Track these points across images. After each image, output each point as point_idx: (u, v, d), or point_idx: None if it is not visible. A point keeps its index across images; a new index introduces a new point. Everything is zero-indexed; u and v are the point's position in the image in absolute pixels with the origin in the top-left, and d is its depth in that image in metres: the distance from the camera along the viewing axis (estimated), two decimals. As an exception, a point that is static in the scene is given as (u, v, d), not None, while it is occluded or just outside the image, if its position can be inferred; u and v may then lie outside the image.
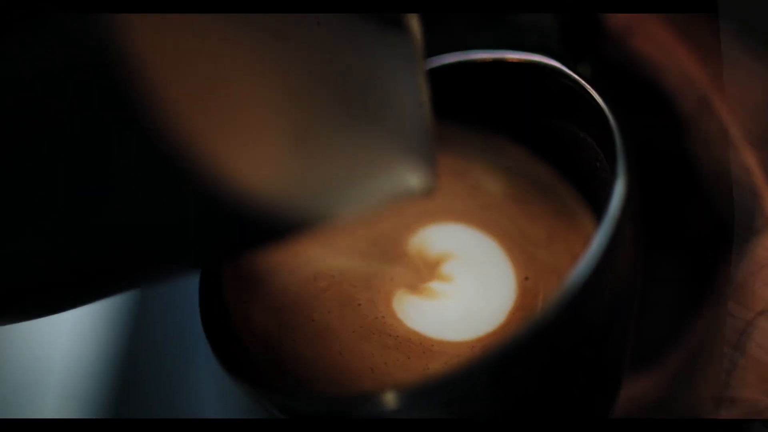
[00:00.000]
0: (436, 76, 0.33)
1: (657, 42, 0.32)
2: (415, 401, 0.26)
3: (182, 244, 0.24)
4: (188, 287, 0.61)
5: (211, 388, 0.56)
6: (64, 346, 0.66)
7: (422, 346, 0.30)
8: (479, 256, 0.32)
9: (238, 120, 0.23)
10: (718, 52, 0.32)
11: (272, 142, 0.24)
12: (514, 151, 0.34)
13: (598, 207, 0.32)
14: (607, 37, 0.32)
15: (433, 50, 0.33)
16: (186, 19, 0.22)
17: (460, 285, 0.31)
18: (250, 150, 0.23)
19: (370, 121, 0.27)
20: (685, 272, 0.36)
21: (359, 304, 0.31)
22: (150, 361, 0.61)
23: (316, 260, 0.32)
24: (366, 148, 0.27)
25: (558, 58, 0.31)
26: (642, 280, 0.29)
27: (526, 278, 0.31)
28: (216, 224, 0.23)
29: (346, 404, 0.26)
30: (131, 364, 0.61)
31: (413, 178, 0.28)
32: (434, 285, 0.31)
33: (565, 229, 0.32)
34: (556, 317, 0.25)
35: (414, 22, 0.28)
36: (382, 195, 0.28)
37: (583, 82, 0.30)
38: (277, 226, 0.24)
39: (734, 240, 0.33)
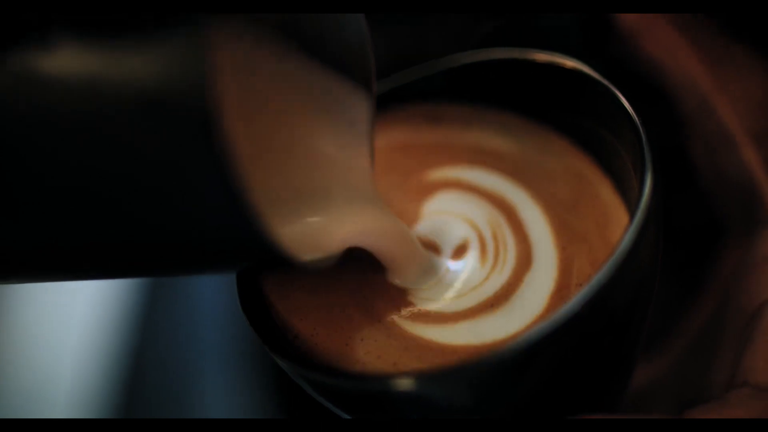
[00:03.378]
0: (466, 69, 0.33)
1: (663, 43, 0.33)
2: (441, 382, 0.26)
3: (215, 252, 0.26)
4: (194, 291, 0.61)
5: (218, 390, 0.56)
6: (72, 347, 0.65)
7: (442, 349, 0.30)
8: (521, 218, 0.32)
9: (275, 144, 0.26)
10: (721, 52, 0.33)
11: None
12: (528, 129, 0.34)
13: (618, 183, 0.32)
14: (617, 37, 0.33)
15: (445, 46, 0.34)
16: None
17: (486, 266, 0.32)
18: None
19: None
20: (678, 266, 0.37)
21: (381, 292, 0.31)
22: (157, 363, 0.61)
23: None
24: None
25: (577, 57, 0.31)
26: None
27: (564, 247, 0.31)
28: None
29: (380, 381, 0.27)
30: (139, 364, 0.61)
31: None
32: (458, 271, 0.32)
33: (585, 196, 0.32)
34: (584, 310, 0.26)
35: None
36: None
37: (612, 87, 0.30)
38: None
39: (731, 234, 0.34)
